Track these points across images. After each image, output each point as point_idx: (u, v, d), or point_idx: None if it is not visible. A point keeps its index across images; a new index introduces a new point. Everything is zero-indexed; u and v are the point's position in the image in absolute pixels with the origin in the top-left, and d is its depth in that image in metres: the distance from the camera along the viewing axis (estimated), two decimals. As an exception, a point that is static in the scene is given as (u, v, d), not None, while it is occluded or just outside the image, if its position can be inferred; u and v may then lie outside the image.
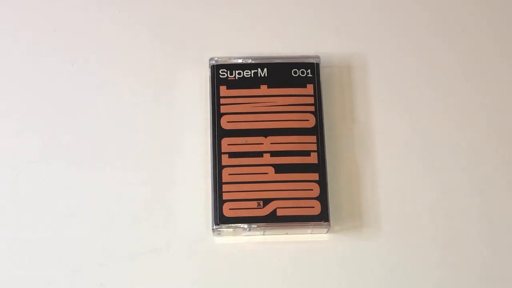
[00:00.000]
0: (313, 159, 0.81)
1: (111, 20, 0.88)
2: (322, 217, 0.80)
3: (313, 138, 0.82)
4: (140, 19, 0.88)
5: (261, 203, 0.80)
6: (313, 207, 0.80)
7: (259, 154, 0.82)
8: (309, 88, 0.84)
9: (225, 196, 0.80)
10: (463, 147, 0.84)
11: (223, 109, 0.83)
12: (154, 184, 0.82)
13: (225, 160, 0.81)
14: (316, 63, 0.85)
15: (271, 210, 0.80)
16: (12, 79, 0.86)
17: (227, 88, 0.84)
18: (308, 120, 0.83)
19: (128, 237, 0.81)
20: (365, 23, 0.89)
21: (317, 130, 0.82)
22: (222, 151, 0.82)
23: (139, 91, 0.86)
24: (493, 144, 0.85)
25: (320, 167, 0.81)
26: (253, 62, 0.85)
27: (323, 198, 0.80)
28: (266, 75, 0.84)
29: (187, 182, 0.82)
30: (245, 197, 0.80)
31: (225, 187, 0.80)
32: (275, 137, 0.82)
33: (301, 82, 0.84)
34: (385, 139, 0.85)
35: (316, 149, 0.82)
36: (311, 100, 0.84)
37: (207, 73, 0.85)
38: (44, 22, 0.88)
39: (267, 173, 0.81)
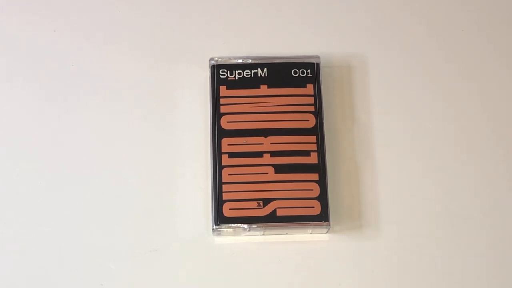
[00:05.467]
0: (313, 159, 0.81)
1: (111, 20, 0.88)
2: (322, 217, 0.80)
3: (313, 138, 0.82)
4: (140, 19, 0.88)
5: (261, 203, 0.80)
6: (313, 207, 0.80)
7: (259, 154, 0.82)
8: (309, 88, 0.84)
9: (225, 196, 0.80)
10: (463, 147, 0.84)
11: (223, 109, 0.83)
12: (154, 184, 0.82)
13: (225, 160, 0.81)
14: (316, 63, 0.85)
15: (271, 210, 0.80)
16: (12, 79, 0.86)
17: (227, 88, 0.84)
18: (308, 120, 0.83)
19: (128, 237, 0.81)
20: (365, 23, 0.89)
21: (317, 130, 0.82)
22: (222, 151, 0.82)
23: (139, 91, 0.86)
24: (493, 144, 0.85)
25: (320, 167, 0.81)
26: (253, 62, 0.85)
27: (323, 198, 0.80)
28: (266, 75, 0.84)
29: (187, 182, 0.82)
30: (245, 197, 0.80)
31: (225, 187, 0.80)
32: (275, 137, 0.82)
33: (301, 82, 0.84)
34: (385, 139, 0.85)
35: (316, 149, 0.82)
36: (311, 100, 0.84)
37: (207, 73, 0.85)
38: (44, 22, 0.88)
39: (267, 173, 0.81)
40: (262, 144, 0.82)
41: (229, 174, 0.81)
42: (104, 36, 0.88)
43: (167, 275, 0.80)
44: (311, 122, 0.83)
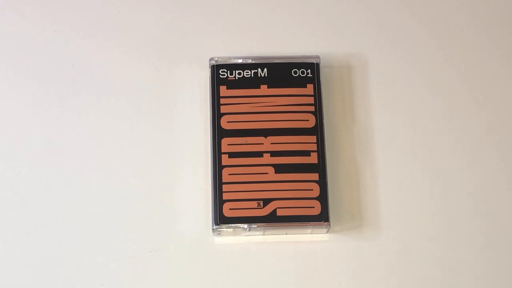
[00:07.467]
0: (313, 159, 0.81)
1: (111, 20, 0.88)
2: (322, 217, 0.80)
3: (313, 138, 0.82)
4: (140, 19, 0.88)
5: (261, 203, 0.80)
6: (313, 207, 0.80)
7: (259, 154, 0.82)
8: (309, 88, 0.84)
9: (225, 196, 0.80)
10: (463, 147, 0.84)
11: (223, 109, 0.83)
12: (154, 184, 0.82)
13: (225, 160, 0.81)
14: (316, 63, 0.85)
15: (271, 210, 0.80)
16: (12, 79, 0.86)
17: (227, 88, 0.84)
18: (308, 120, 0.83)
19: (128, 237, 0.81)
20: (365, 23, 0.89)
21: (317, 130, 0.82)
22: (222, 151, 0.82)
23: (139, 91, 0.86)
24: (493, 144, 0.85)
25: (320, 167, 0.81)
26: (253, 62, 0.85)
27: (323, 198, 0.80)
28: (266, 75, 0.84)
29: (187, 182, 0.82)
30: (245, 197, 0.80)
31: (225, 187, 0.80)
32: (275, 137, 0.82)
33: (301, 82, 0.84)
34: (385, 139, 0.85)
35: (316, 149, 0.82)
36: (311, 100, 0.84)
37: (207, 73, 0.85)
38: (44, 22, 0.88)
39: (267, 173, 0.81)
40: (262, 144, 0.82)
41: (229, 174, 0.81)
42: (104, 36, 0.88)
43: (167, 275, 0.80)
44: (311, 122, 0.83)
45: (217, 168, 0.81)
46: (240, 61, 0.85)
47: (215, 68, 0.84)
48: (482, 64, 0.87)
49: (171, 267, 0.80)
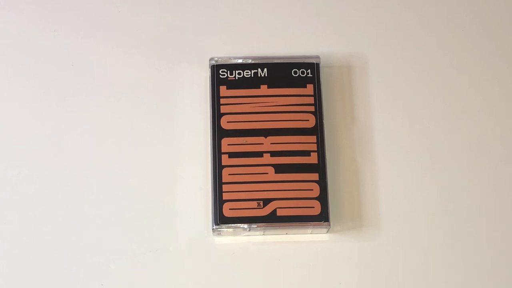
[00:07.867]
0: (313, 159, 0.81)
1: (111, 20, 0.88)
2: (322, 217, 0.80)
3: (313, 138, 0.82)
4: (140, 19, 0.88)
5: (261, 203, 0.80)
6: (313, 207, 0.80)
7: (259, 154, 0.82)
8: (309, 88, 0.84)
9: (225, 196, 0.80)
10: (463, 147, 0.84)
11: (223, 109, 0.83)
12: (154, 184, 0.82)
13: (225, 160, 0.81)
14: (316, 63, 0.85)
15: (271, 210, 0.80)
16: (12, 79, 0.86)
17: (227, 88, 0.84)
18: (308, 120, 0.83)
19: (128, 237, 0.81)
20: (365, 23, 0.89)
21: (317, 130, 0.82)
22: (222, 151, 0.82)
23: (139, 91, 0.86)
24: (493, 144, 0.85)
25: (320, 167, 0.81)
26: (253, 62, 0.85)
27: (323, 198, 0.80)
28: (266, 75, 0.84)
29: (187, 182, 0.82)
30: (245, 197, 0.80)
31: (225, 187, 0.81)
32: (275, 137, 0.82)
33: (301, 82, 0.84)
34: (385, 139, 0.85)
35: (316, 149, 0.82)
36: (311, 100, 0.84)
37: (207, 73, 0.85)
38: (44, 22, 0.88)
39: (267, 173, 0.81)
40: (262, 144, 0.82)
41: (229, 174, 0.81)
42: (104, 36, 0.88)
43: (167, 275, 0.80)
44: (311, 122, 0.83)
45: (217, 168, 0.81)
46: (240, 61, 0.85)
47: (215, 68, 0.84)
48: (482, 64, 0.88)
49: (171, 267, 0.80)
